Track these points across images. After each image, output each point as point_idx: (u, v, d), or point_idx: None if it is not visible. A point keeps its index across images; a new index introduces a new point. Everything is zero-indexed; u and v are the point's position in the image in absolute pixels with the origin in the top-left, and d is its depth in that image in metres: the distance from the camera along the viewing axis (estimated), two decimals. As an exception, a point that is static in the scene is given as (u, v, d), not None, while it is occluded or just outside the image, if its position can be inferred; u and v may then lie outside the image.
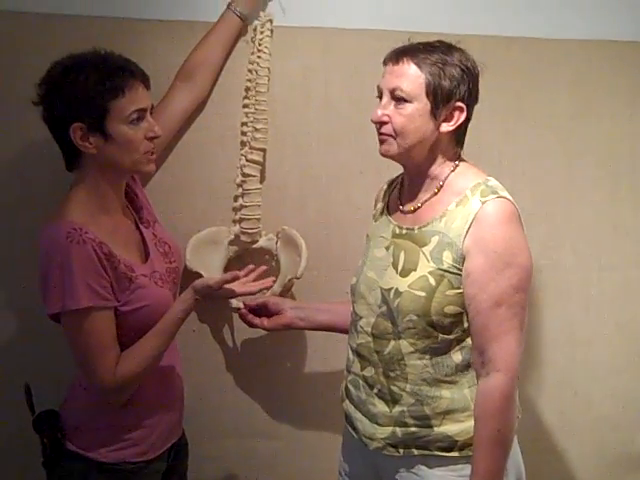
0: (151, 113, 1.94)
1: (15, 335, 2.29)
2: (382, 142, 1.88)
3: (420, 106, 1.83)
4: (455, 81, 1.84)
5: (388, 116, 1.85)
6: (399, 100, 1.83)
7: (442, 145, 1.89)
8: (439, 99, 1.83)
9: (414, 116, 1.83)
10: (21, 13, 2.18)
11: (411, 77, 1.82)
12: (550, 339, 2.64)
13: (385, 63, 1.89)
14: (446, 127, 1.87)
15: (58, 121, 1.87)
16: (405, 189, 2.01)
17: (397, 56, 1.85)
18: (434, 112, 1.84)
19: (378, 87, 1.89)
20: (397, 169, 2.03)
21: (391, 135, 1.85)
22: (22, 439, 2.13)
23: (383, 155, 1.90)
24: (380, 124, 1.87)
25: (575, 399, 2.70)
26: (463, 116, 1.87)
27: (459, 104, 1.85)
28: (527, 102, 2.52)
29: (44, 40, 2.17)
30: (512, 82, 2.48)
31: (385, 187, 2.12)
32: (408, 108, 1.83)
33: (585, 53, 2.53)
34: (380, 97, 1.88)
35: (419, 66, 1.82)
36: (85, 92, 1.82)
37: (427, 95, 1.82)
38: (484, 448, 1.79)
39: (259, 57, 2.24)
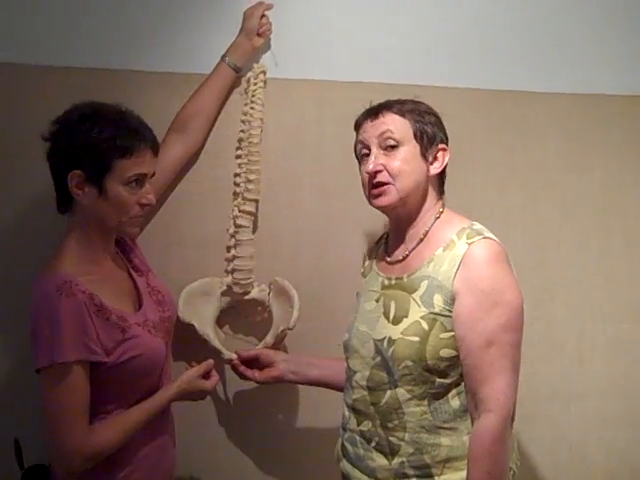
0: (151, 180, 1.95)
1: (5, 388, 2.27)
2: (379, 194, 1.89)
3: (410, 148, 1.88)
4: (434, 125, 1.91)
5: (382, 165, 1.87)
6: (389, 148, 1.87)
7: (430, 190, 1.93)
8: (426, 141, 1.89)
9: (408, 158, 1.88)
10: (22, 65, 2.21)
11: (397, 124, 1.89)
12: (544, 392, 2.62)
13: (360, 124, 1.95)
14: (434, 169, 1.92)
15: (60, 162, 1.88)
16: (391, 242, 2.03)
17: (375, 112, 1.92)
18: (424, 154, 1.89)
19: (360, 143, 1.93)
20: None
21: (388, 182, 1.87)
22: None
23: (381, 207, 1.91)
24: (375, 174, 1.88)
25: (570, 453, 2.67)
26: (447, 156, 1.93)
27: (442, 145, 1.92)
28: (519, 155, 2.53)
29: (43, 91, 2.21)
30: (504, 135, 2.51)
31: (373, 246, 2.15)
32: (401, 152, 1.87)
33: (576, 106, 2.55)
34: (366, 155, 1.92)
35: (401, 114, 1.89)
36: (94, 144, 1.84)
37: (415, 138, 1.88)
38: None
39: (252, 108, 2.26)
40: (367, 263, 2.11)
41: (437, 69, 2.42)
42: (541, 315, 2.55)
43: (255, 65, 2.27)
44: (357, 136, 1.98)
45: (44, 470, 1.97)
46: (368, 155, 1.91)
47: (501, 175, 2.53)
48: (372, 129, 1.91)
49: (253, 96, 2.26)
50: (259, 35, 2.29)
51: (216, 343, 2.25)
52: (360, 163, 1.97)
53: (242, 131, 2.28)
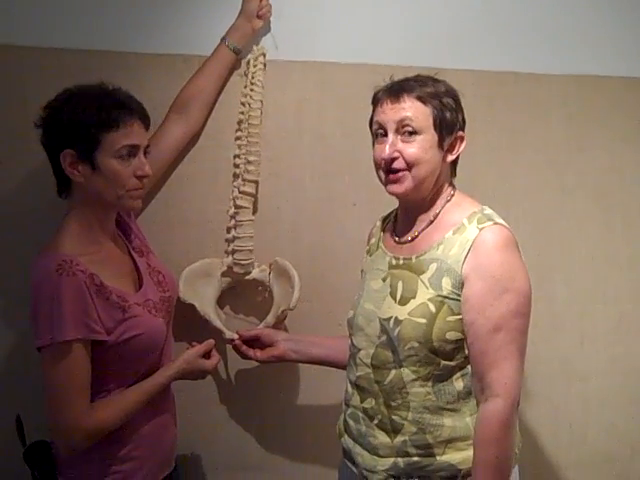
0: (146, 153, 1.95)
1: (6, 365, 2.29)
2: (395, 181, 1.87)
3: (429, 137, 1.85)
4: (453, 111, 1.88)
5: (398, 151, 1.85)
6: (408, 134, 1.84)
7: (443, 175, 1.91)
8: (445, 131, 1.86)
9: (425, 147, 1.84)
10: (22, 47, 2.21)
11: (417, 111, 1.84)
12: (545, 372, 2.64)
13: (380, 101, 1.90)
14: (450, 157, 1.90)
15: (52, 145, 1.90)
16: (399, 221, 2.02)
17: (395, 94, 1.86)
18: (441, 144, 1.86)
19: (377, 123, 1.89)
20: (391, 200, 2.04)
21: (405, 169, 1.85)
22: (13, 471, 2.11)
23: (398, 194, 1.90)
24: (391, 161, 1.85)
25: (570, 433, 2.69)
26: (464, 145, 1.91)
27: (460, 133, 1.90)
28: (521, 137, 2.53)
29: (38, 73, 2.21)
30: (505, 117, 2.50)
31: (378, 223, 2.13)
32: (419, 140, 1.84)
33: (579, 89, 2.55)
34: (382, 135, 1.88)
35: (422, 101, 1.85)
36: (80, 120, 1.84)
37: (434, 127, 1.85)
38: (481, 475, 1.77)
39: (252, 90, 2.26)
40: (373, 241, 2.10)
41: (438, 51, 2.42)
42: (542, 296, 2.54)
43: (255, 47, 2.27)
44: (374, 111, 1.93)
45: (46, 446, 1.98)
46: (384, 135, 1.88)
47: (503, 157, 2.53)
48: (391, 112, 1.86)
49: (253, 78, 2.26)
50: (259, 17, 2.28)
51: (217, 323, 2.27)
52: (374, 139, 1.93)
53: (242, 113, 2.28)
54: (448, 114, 1.86)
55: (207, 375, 2.15)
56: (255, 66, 2.26)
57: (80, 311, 1.81)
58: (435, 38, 2.44)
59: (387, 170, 1.87)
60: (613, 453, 2.72)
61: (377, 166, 1.91)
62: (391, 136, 1.86)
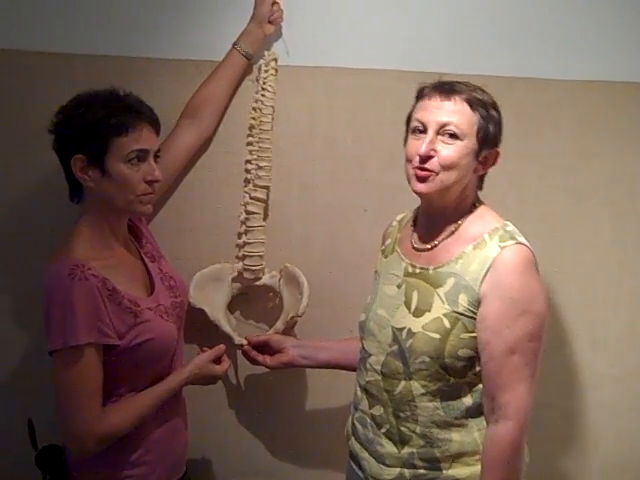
0: (157, 158, 1.96)
1: (18, 369, 2.30)
2: (422, 179, 1.81)
3: (469, 145, 1.81)
4: (497, 125, 1.85)
5: (435, 151, 1.80)
6: (449, 136, 1.80)
7: (470, 186, 1.88)
8: (485, 142, 1.83)
9: (463, 154, 1.80)
10: (33, 52, 2.22)
11: (465, 116, 1.80)
12: (557, 379, 2.62)
13: (426, 96, 1.85)
14: (482, 170, 1.88)
15: (64, 150, 1.91)
16: (419, 227, 1.98)
17: (446, 92, 1.82)
18: (478, 154, 1.83)
19: (418, 121, 1.84)
20: (402, 206, 2.04)
21: (435, 171, 1.80)
22: (24, 475, 2.10)
23: (420, 193, 1.85)
24: (425, 159, 1.80)
25: (582, 440, 2.67)
26: (498, 161, 1.88)
27: (497, 149, 1.87)
28: (531, 142, 2.52)
29: (48, 79, 2.23)
30: (515, 122, 2.46)
31: (395, 223, 2.11)
32: (458, 145, 1.80)
33: (589, 94, 2.53)
34: (420, 131, 1.83)
35: (471, 106, 1.81)
36: (89, 125, 1.86)
37: (477, 136, 1.81)
38: None
39: (263, 95, 2.27)
40: (389, 242, 2.07)
41: (449, 56, 2.40)
42: (554, 302, 2.54)
43: (266, 52, 2.27)
44: (416, 104, 1.88)
45: (58, 450, 1.99)
46: (422, 132, 1.82)
47: (514, 162, 2.50)
48: (437, 112, 1.81)
49: (264, 83, 2.26)
50: (270, 22, 2.27)
51: (227, 329, 2.27)
52: (409, 133, 1.88)
53: (253, 118, 2.28)
54: (492, 127, 1.83)
55: (218, 380, 2.15)
56: (266, 71, 2.26)
57: (92, 315, 1.81)
58: (445, 43, 2.42)
59: (417, 166, 1.82)
60: (625, 461, 2.70)
61: (408, 160, 1.85)
62: (431, 133, 1.80)
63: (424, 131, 1.82)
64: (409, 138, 1.87)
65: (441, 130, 1.80)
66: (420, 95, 1.88)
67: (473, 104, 1.81)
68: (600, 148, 2.56)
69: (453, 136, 1.79)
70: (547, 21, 2.48)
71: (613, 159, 2.57)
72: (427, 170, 1.80)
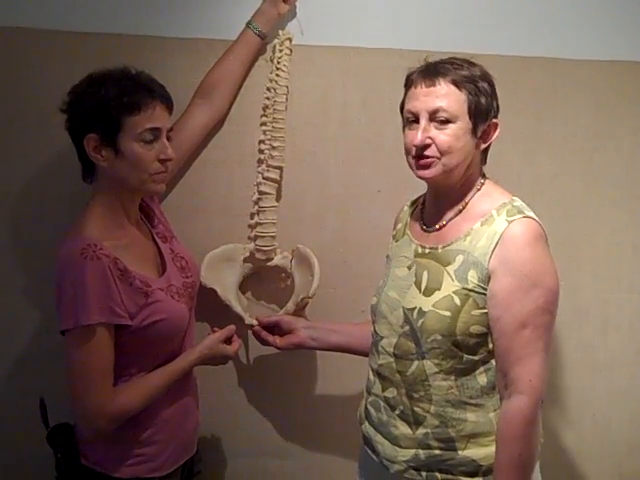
0: (169, 137, 1.95)
1: (30, 348, 2.30)
2: (425, 166, 1.82)
3: (463, 125, 1.80)
4: (489, 97, 1.83)
5: (430, 138, 1.80)
6: (441, 122, 1.80)
7: (474, 163, 1.88)
8: (479, 117, 1.82)
9: (459, 135, 1.80)
10: (45, 30, 2.21)
11: (452, 98, 1.80)
12: (568, 362, 2.62)
13: (413, 85, 1.85)
14: (483, 145, 1.87)
15: (76, 130, 1.90)
16: (428, 208, 1.99)
17: (430, 77, 1.82)
18: (475, 131, 1.83)
19: (409, 112, 1.85)
20: (415, 187, 2.03)
21: (436, 157, 1.81)
22: (36, 454, 2.12)
23: (427, 178, 1.85)
24: (423, 147, 1.81)
25: (594, 423, 2.67)
26: (497, 132, 1.87)
27: (494, 120, 1.86)
28: (546, 123, 2.50)
29: (62, 56, 2.22)
30: (530, 102, 2.47)
31: (406, 208, 2.11)
32: (452, 128, 1.80)
33: (605, 74, 2.51)
34: (413, 121, 1.84)
35: (457, 86, 1.80)
36: (102, 104, 1.85)
37: (469, 114, 1.80)
38: (505, 472, 1.76)
39: (277, 75, 2.25)
40: (399, 226, 2.08)
41: (464, 35, 2.38)
42: (566, 284, 2.48)
43: (281, 32, 2.26)
44: (406, 94, 1.88)
45: (69, 429, 2.00)
46: (415, 122, 1.83)
47: (528, 144, 2.50)
48: (425, 100, 1.81)
49: (278, 64, 2.25)
50: (285, 1, 2.25)
51: (238, 309, 2.28)
52: (404, 124, 1.89)
53: (267, 98, 2.27)
54: (483, 100, 1.82)
55: (228, 360, 2.16)
56: (281, 51, 2.25)
57: (104, 295, 1.81)
58: (462, 23, 2.41)
59: (417, 155, 1.83)
60: (637, 444, 2.70)
61: (407, 152, 1.87)
62: (423, 122, 1.81)
63: (416, 121, 1.83)
64: (405, 129, 1.89)
65: (433, 117, 1.81)
66: (407, 82, 1.89)
67: (459, 83, 1.80)
68: (617, 129, 2.55)
69: (445, 121, 1.80)
70: (562, 1, 2.46)
71: (629, 140, 2.57)
72: (427, 157, 1.82)
